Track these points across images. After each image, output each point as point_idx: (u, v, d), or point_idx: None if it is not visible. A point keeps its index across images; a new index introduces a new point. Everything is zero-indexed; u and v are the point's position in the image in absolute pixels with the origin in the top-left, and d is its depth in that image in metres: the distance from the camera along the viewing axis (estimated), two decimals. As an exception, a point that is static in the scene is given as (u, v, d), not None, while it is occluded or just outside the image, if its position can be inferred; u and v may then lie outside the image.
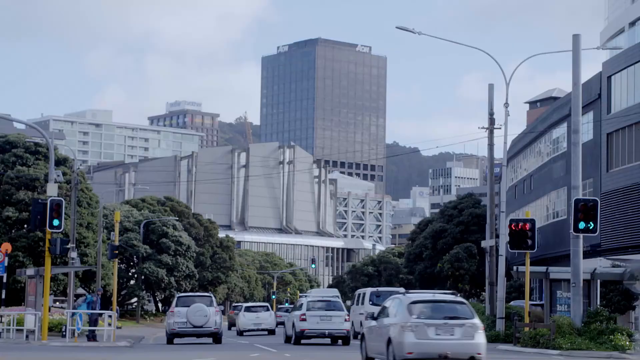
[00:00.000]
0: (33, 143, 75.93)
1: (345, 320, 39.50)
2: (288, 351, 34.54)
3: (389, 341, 22.82)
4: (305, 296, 54.06)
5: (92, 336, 42.82)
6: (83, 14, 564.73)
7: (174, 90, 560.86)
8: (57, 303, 79.66)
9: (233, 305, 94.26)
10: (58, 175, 47.60)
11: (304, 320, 41.42)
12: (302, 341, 41.48)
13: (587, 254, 55.14)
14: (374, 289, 50.29)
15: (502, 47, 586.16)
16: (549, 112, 79.52)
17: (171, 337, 43.69)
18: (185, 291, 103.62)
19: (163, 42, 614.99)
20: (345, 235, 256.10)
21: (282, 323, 58.14)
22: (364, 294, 49.92)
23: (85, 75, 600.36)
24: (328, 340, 41.86)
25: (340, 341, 41.92)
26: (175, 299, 45.60)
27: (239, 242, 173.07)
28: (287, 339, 43.34)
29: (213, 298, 45.15)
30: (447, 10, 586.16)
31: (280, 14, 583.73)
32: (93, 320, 44.07)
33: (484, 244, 47.47)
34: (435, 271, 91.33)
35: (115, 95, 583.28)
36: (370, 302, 47.76)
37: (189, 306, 43.27)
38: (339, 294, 50.22)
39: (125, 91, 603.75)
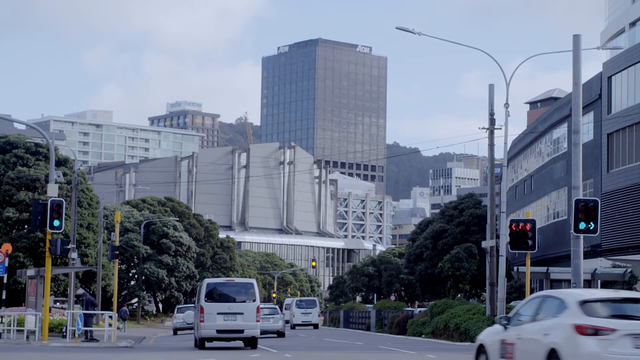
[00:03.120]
0: (33, 144, 75.96)
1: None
2: (288, 351, 34.58)
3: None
4: None
5: (90, 337, 42.79)
6: (81, 12, 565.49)
7: (173, 89, 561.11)
8: (58, 304, 79.72)
9: None
10: (58, 176, 47.57)
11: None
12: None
13: (588, 255, 55.14)
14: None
15: (503, 45, 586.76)
16: (549, 112, 79.53)
17: (175, 331, 67.28)
18: (185, 292, 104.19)
19: (161, 40, 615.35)
20: (345, 236, 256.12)
21: None
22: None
23: (84, 74, 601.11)
24: None
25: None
26: (176, 308, 72.61)
27: (240, 242, 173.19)
28: None
29: None
30: (447, 8, 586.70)
31: (279, 11, 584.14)
32: (88, 321, 43.77)
33: (484, 244, 47.46)
34: (436, 271, 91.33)
35: (114, 95, 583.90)
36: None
37: (184, 312, 66.35)
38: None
39: (123, 90, 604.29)
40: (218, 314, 35.98)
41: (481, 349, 19.86)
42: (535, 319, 17.96)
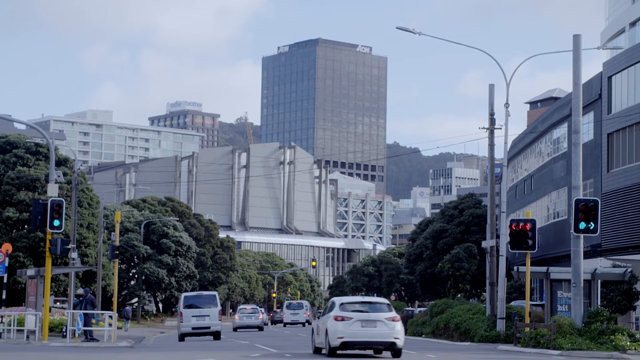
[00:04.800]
0: (34, 143, 75.95)
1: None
2: (288, 351, 34.62)
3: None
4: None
5: (90, 337, 42.75)
6: (79, 10, 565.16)
7: (173, 88, 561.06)
8: (58, 303, 79.74)
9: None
10: (59, 176, 47.58)
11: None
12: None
13: (588, 254, 55.16)
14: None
15: (503, 44, 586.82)
16: (549, 112, 79.51)
17: None
18: (185, 291, 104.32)
19: (160, 38, 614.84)
20: (345, 236, 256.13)
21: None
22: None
23: (83, 73, 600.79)
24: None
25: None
26: None
27: (240, 242, 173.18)
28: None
29: None
30: (447, 7, 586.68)
31: (279, 11, 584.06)
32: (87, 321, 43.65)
33: (484, 244, 47.46)
34: (436, 271, 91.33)
35: (113, 94, 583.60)
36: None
37: None
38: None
39: (122, 89, 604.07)
40: (192, 316, 49.99)
41: (313, 330, 33.56)
42: (329, 312, 31.33)
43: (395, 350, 30.66)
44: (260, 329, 72.99)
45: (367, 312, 30.61)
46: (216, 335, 50.35)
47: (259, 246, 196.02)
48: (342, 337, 30.08)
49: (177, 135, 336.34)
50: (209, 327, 50.23)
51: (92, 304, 43.97)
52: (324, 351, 31.37)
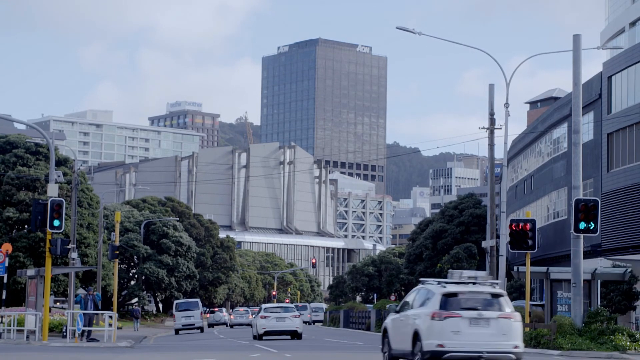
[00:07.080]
0: (34, 143, 75.97)
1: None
2: (288, 351, 34.61)
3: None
4: None
5: (89, 337, 42.74)
6: (77, 9, 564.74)
7: (172, 88, 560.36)
8: (58, 303, 79.74)
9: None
10: (59, 176, 47.59)
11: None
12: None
13: (588, 254, 55.13)
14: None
15: (503, 42, 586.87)
16: (549, 112, 79.49)
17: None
18: (185, 291, 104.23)
19: (158, 37, 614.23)
20: (345, 236, 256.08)
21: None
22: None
23: (82, 72, 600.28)
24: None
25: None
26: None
27: (240, 242, 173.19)
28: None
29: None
30: (447, 5, 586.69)
31: (279, 11, 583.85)
32: (87, 320, 43.60)
33: (484, 244, 47.46)
34: (436, 271, 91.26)
35: (111, 93, 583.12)
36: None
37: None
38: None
39: (121, 88, 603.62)
40: (182, 317, 69.85)
41: (252, 325, 51.37)
42: (258, 314, 50.16)
43: (297, 335, 49.44)
44: (250, 325, 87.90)
45: (280, 312, 50.10)
46: (200, 329, 69.62)
47: (259, 246, 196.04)
48: (265, 328, 49.10)
49: (177, 135, 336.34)
50: (194, 324, 69.57)
51: (95, 302, 44.00)
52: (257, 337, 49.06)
